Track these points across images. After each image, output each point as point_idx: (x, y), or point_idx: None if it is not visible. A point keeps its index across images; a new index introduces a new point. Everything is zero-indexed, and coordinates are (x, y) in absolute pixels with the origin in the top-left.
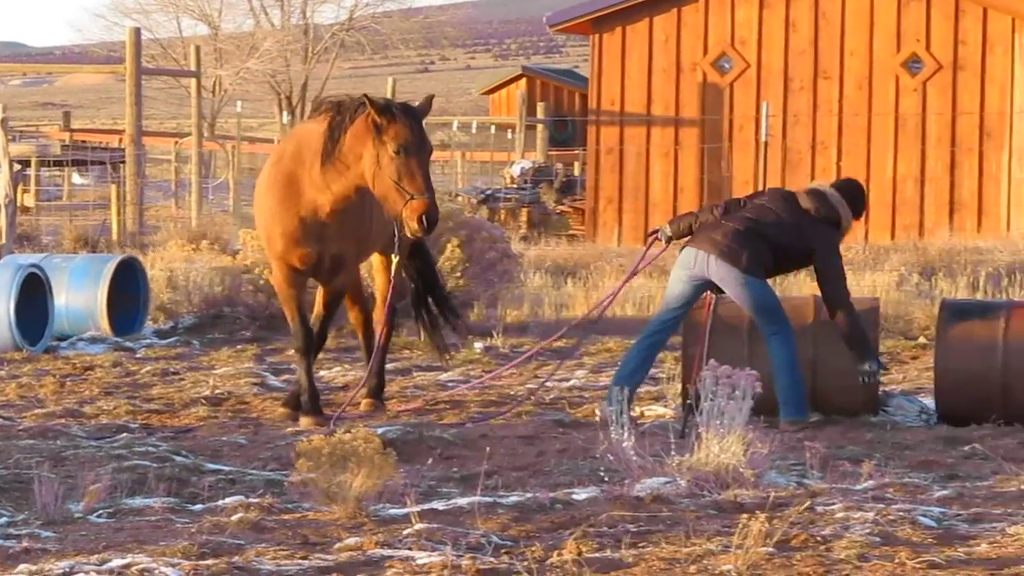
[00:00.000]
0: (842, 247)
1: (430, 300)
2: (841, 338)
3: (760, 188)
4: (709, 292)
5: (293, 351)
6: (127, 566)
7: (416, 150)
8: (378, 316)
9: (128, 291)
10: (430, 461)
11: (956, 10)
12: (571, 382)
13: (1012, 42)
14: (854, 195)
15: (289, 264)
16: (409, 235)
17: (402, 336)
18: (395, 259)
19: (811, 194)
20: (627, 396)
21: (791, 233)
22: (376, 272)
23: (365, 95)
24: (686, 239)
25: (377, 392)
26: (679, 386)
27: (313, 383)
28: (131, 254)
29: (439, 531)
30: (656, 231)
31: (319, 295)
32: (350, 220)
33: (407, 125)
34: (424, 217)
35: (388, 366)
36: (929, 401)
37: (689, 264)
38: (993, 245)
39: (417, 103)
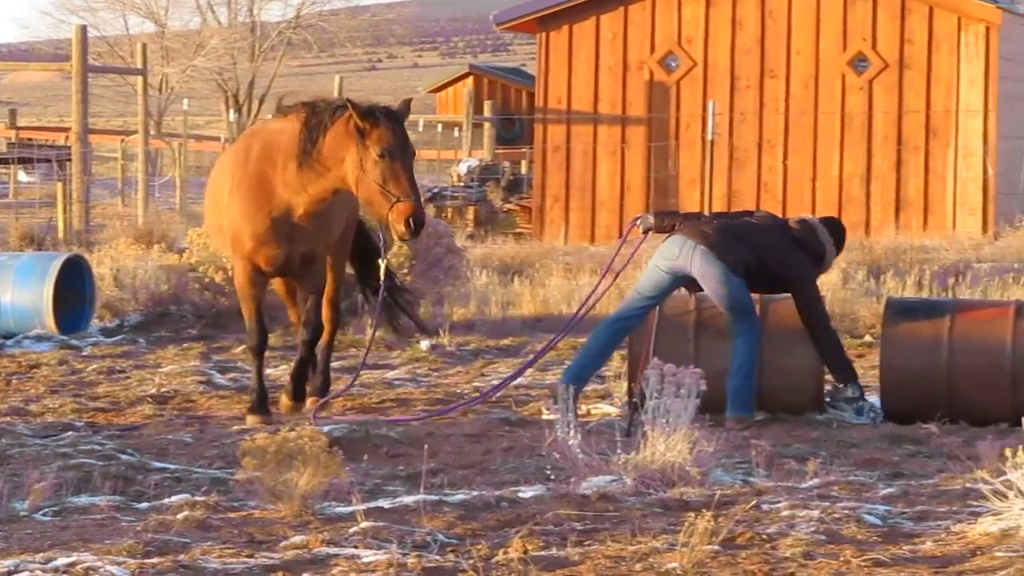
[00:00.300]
0: None
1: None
2: (823, 361)
3: (709, 189)
4: (683, 289)
5: (246, 349)
6: (72, 564)
7: (400, 153)
8: (324, 315)
9: (74, 289)
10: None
11: (902, 9)
12: (517, 380)
13: (958, 41)
14: (840, 234)
15: (254, 264)
16: (396, 238)
17: (348, 335)
18: (382, 263)
19: (801, 224)
20: (573, 394)
21: (775, 252)
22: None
23: (348, 99)
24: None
25: (323, 391)
26: (625, 384)
27: (263, 383)
28: (77, 252)
29: (385, 529)
30: (638, 218)
31: (296, 304)
32: (322, 220)
33: (391, 129)
34: (411, 220)
35: (334, 364)
36: (875, 399)
37: (673, 254)
38: (939, 243)
39: (396, 106)
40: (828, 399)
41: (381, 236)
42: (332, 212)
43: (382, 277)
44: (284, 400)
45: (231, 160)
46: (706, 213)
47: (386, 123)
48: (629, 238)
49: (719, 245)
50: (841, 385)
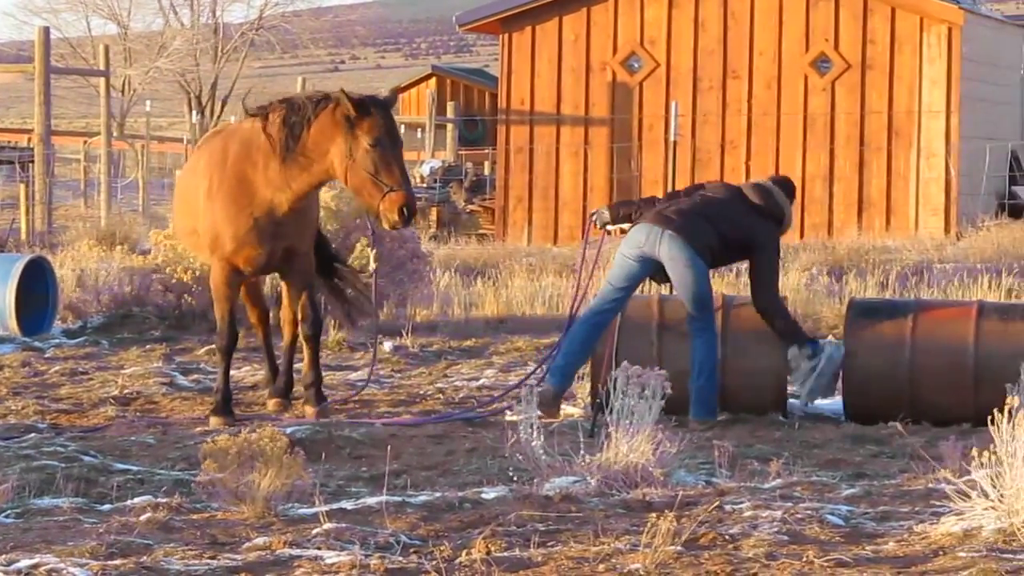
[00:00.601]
0: None
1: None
2: (775, 332)
3: (671, 188)
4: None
5: (214, 349)
6: (35, 566)
7: (391, 142)
8: (284, 315)
9: (37, 291)
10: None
11: (864, 10)
12: (480, 381)
13: (920, 41)
14: (792, 193)
15: (233, 265)
16: (387, 227)
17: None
18: (372, 252)
19: (757, 189)
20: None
21: (737, 224)
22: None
23: (342, 89)
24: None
25: (285, 392)
26: (589, 385)
27: (228, 384)
28: (40, 254)
29: (348, 531)
30: (594, 213)
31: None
32: (303, 215)
33: (382, 118)
34: (404, 208)
35: (297, 365)
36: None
37: (639, 242)
38: (901, 244)
39: (383, 95)
40: (788, 359)
41: (369, 225)
42: (311, 206)
43: (372, 265)
44: (308, 409)
45: (206, 162)
46: (660, 196)
47: (377, 112)
48: (591, 238)
49: (685, 229)
50: (797, 348)
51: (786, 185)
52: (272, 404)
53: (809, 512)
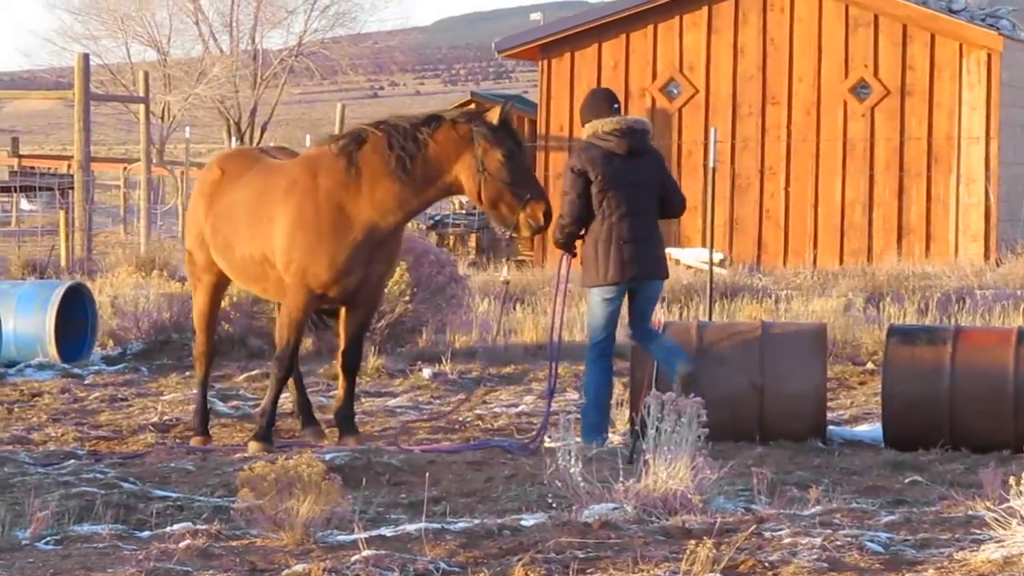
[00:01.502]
0: (791, 272)
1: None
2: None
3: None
4: (658, 319)
5: (273, 377)
6: None
7: (522, 153)
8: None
9: (76, 317)
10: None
11: (904, 36)
12: (519, 408)
13: (959, 67)
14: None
15: (320, 293)
16: (528, 234)
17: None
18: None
19: (639, 126)
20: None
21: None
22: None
23: (472, 92)
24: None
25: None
26: (627, 412)
27: (275, 411)
28: (79, 280)
29: (387, 558)
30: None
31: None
32: (398, 238)
33: (510, 128)
34: (545, 214)
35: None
36: (878, 426)
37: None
38: (941, 270)
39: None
40: None
41: (504, 232)
42: (401, 232)
43: (503, 277)
44: (350, 441)
45: (285, 190)
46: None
47: (507, 124)
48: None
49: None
50: None
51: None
52: (310, 432)
53: (849, 539)
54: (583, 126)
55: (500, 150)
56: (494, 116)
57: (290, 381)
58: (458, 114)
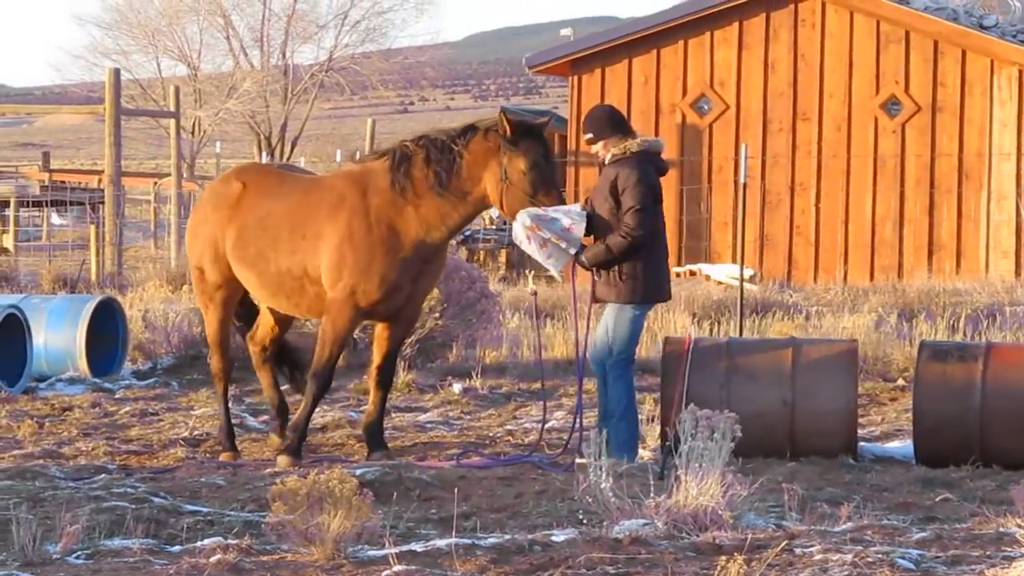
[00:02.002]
0: (822, 288)
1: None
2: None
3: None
4: (688, 334)
5: (309, 392)
6: None
7: (548, 161)
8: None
9: (107, 332)
10: (396, 498)
11: (935, 52)
12: (550, 423)
13: (990, 83)
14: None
15: (370, 310)
16: None
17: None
18: (531, 275)
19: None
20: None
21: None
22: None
23: (502, 108)
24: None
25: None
26: (658, 427)
27: (307, 427)
28: (110, 295)
29: (417, 573)
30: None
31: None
32: (444, 253)
33: (537, 138)
34: None
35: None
36: (908, 443)
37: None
38: (972, 286)
39: (538, 120)
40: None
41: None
42: (446, 248)
43: (531, 288)
44: (380, 457)
45: (332, 206)
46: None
47: (533, 133)
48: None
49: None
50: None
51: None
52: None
53: (880, 556)
54: (605, 141)
55: (524, 160)
56: (526, 125)
57: (269, 381)
58: (492, 122)
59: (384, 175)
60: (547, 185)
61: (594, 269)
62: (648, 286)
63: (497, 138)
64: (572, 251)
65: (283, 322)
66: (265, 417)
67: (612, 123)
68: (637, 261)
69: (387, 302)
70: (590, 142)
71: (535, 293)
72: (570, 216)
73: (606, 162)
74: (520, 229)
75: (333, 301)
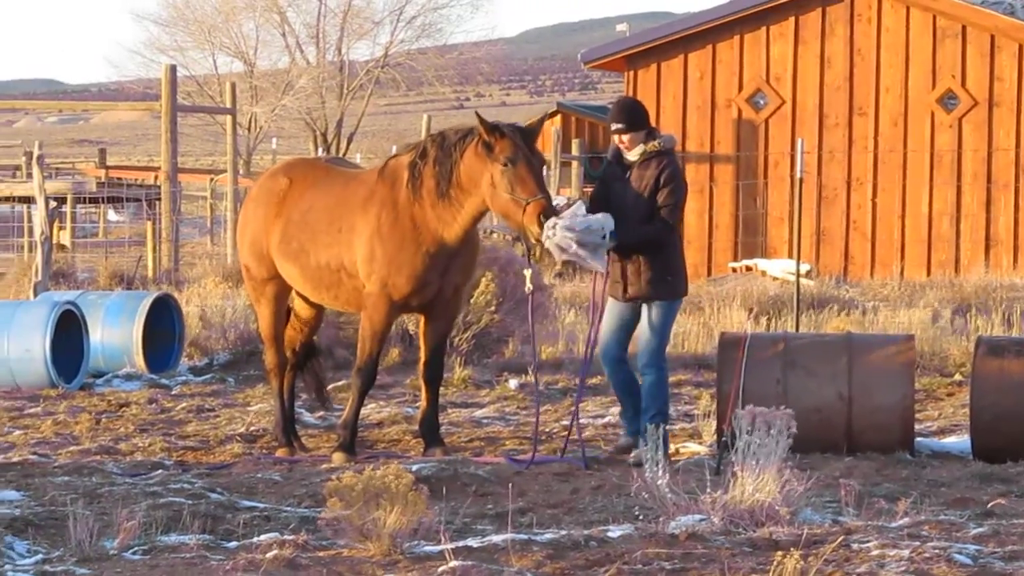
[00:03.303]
0: (878, 283)
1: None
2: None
3: (793, 224)
4: (744, 329)
5: (354, 388)
6: None
7: (524, 159)
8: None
9: (163, 328)
10: (447, 494)
11: (992, 46)
12: (606, 419)
13: None
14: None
15: (403, 305)
16: (532, 240)
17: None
18: (528, 273)
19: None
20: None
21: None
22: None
23: (476, 112)
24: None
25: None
26: (714, 423)
27: (357, 423)
28: (166, 291)
29: (474, 568)
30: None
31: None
32: (471, 248)
33: (512, 138)
34: (541, 215)
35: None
36: (956, 442)
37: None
38: None
39: (530, 122)
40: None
41: (525, 244)
42: (476, 240)
43: (528, 287)
44: (436, 452)
45: (364, 200)
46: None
47: (510, 134)
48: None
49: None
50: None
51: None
52: (336, 458)
53: (937, 551)
54: (634, 134)
55: (501, 158)
56: (500, 125)
57: (286, 391)
58: (479, 121)
59: (406, 171)
60: (522, 180)
61: (628, 268)
62: (686, 281)
63: (482, 145)
64: (606, 241)
65: (310, 325)
66: (322, 413)
67: (645, 118)
68: (676, 258)
69: (418, 295)
70: (621, 132)
71: (532, 292)
72: (583, 213)
73: (632, 157)
74: (553, 248)
75: (368, 296)
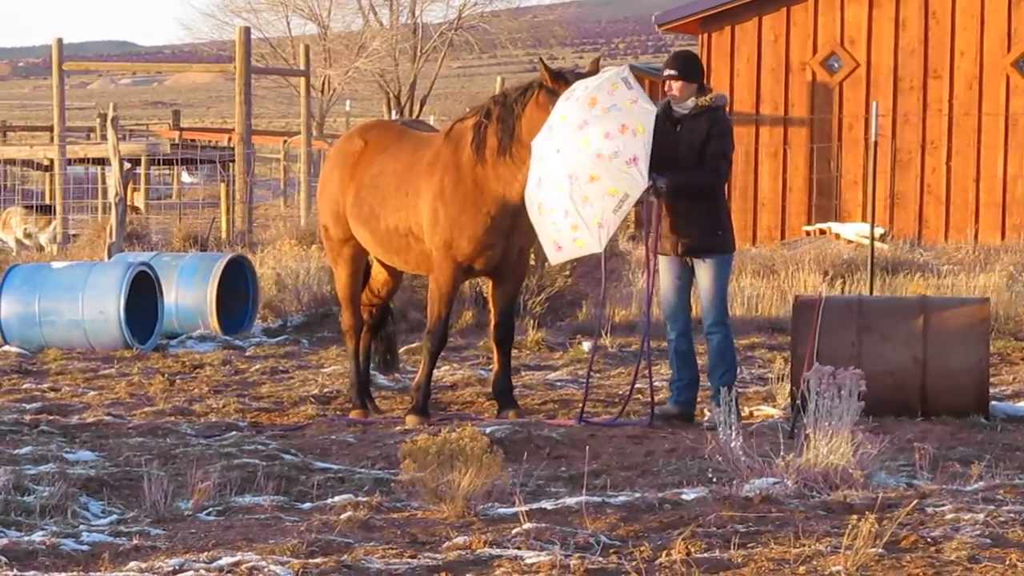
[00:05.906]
0: (953, 247)
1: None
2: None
3: (868, 187)
4: (819, 292)
5: (425, 350)
6: (236, 564)
7: None
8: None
9: (237, 290)
10: (527, 457)
11: None
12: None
13: None
14: None
15: (468, 267)
16: None
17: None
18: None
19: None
20: (735, 396)
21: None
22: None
23: (540, 59)
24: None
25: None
26: (788, 386)
27: (430, 384)
28: (240, 253)
29: (547, 531)
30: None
31: (492, 301)
32: None
33: (574, 83)
34: None
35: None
36: None
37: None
38: None
39: (586, 67)
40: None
41: None
42: None
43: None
44: (510, 414)
45: (429, 164)
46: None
47: (574, 81)
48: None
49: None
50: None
51: None
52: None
53: (1012, 515)
54: (685, 83)
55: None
56: (564, 72)
57: (361, 353)
58: (543, 67)
59: (470, 133)
60: None
61: (679, 223)
62: (734, 239)
63: (544, 93)
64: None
65: (387, 288)
66: (396, 375)
67: (700, 70)
68: (725, 214)
69: (482, 257)
70: (673, 78)
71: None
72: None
73: (683, 110)
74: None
75: (435, 258)
